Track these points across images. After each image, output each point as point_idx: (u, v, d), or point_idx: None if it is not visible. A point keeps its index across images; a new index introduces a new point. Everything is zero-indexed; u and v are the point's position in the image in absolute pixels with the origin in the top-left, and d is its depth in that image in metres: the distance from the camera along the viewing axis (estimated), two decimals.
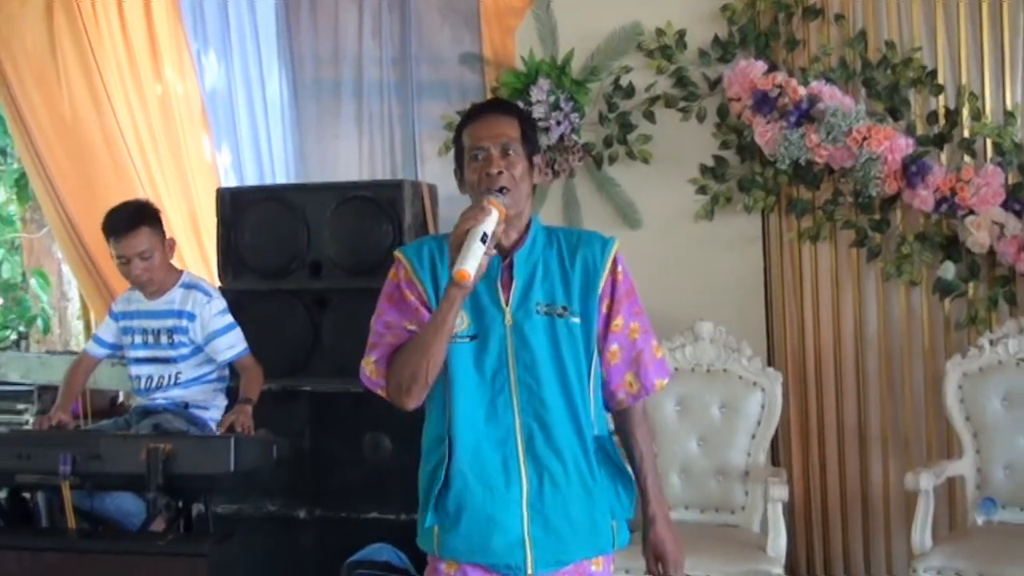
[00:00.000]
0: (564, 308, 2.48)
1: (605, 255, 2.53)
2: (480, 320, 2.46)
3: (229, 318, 4.27)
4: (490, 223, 2.31)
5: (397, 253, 2.56)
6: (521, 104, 4.80)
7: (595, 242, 2.56)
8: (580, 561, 2.52)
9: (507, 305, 2.47)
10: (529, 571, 2.46)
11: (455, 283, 2.30)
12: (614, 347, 2.54)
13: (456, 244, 2.30)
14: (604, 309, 2.53)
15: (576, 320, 2.49)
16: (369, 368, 2.49)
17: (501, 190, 2.42)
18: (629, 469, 2.57)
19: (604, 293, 2.52)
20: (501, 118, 2.53)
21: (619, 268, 2.55)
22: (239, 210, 5.00)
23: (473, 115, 2.56)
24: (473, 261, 2.27)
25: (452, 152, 2.62)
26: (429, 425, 2.56)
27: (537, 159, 2.56)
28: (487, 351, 2.46)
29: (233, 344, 4.24)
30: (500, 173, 2.45)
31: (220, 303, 4.28)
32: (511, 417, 2.45)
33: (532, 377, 2.45)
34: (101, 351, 4.44)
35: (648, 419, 2.68)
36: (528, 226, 2.53)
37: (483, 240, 2.28)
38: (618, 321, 2.53)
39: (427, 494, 2.49)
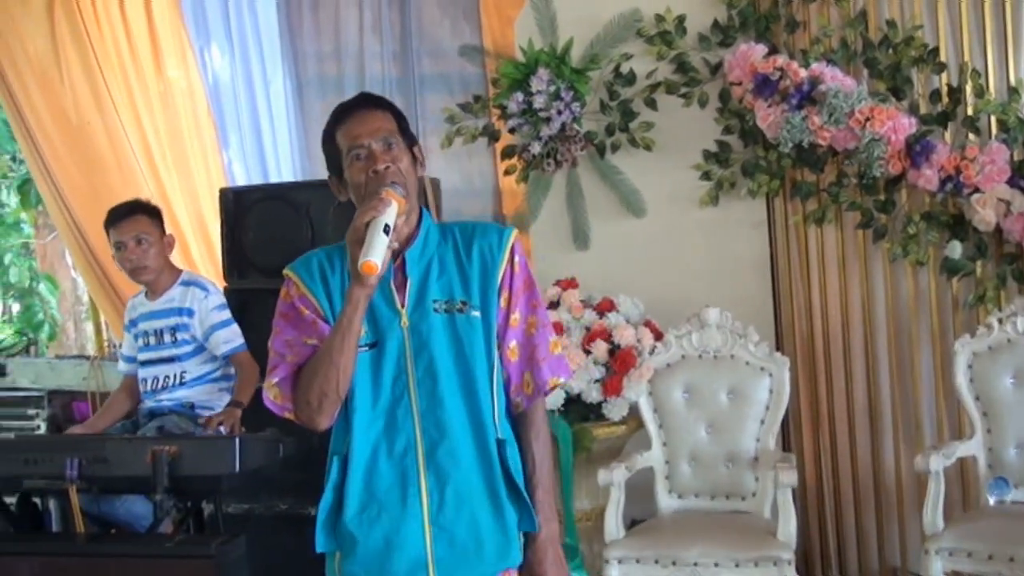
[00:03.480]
0: (464, 303, 2.34)
1: (503, 245, 2.38)
2: (376, 326, 2.31)
3: (227, 313, 4.30)
4: (391, 214, 2.18)
5: (286, 271, 2.42)
6: (521, 95, 4.81)
7: (491, 232, 2.41)
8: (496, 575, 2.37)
9: (403, 307, 2.33)
10: None
11: (361, 280, 2.16)
12: (512, 344, 2.39)
13: (356, 240, 2.16)
14: (502, 303, 2.38)
15: (476, 314, 2.34)
16: (272, 392, 2.33)
17: (392, 184, 2.27)
18: (519, 480, 2.38)
19: (503, 285, 2.37)
20: (374, 112, 2.37)
21: (517, 259, 2.40)
22: (242, 209, 5.01)
23: (343, 114, 2.39)
24: (379, 252, 2.13)
25: (326, 158, 2.43)
26: (331, 441, 2.39)
27: (417, 150, 2.42)
28: (385, 358, 2.31)
29: (230, 339, 4.26)
30: (388, 168, 2.31)
31: (217, 298, 4.31)
32: (411, 426, 2.30)
33: (432, 381, 2.31)
34: (130, 367, 4.47)
35: (547, 424, 2.48)
36: (419, 223, 2.38)
37: (386, 231, 2.16)
38: (516, 315, 2.39)
39: (322, 515, 2.34)
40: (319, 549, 2.36)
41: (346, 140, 2.35)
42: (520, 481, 2.37)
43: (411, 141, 2.41)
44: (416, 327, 2.32)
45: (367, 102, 2.41)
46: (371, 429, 2.31)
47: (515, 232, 2.43)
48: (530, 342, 2.40)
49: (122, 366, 4.53)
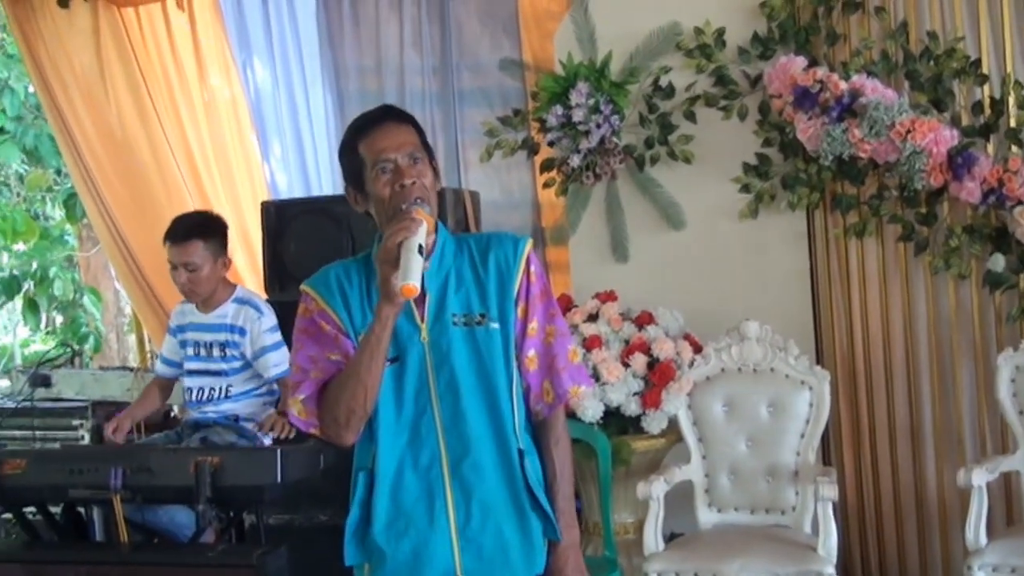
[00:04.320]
0: (482, 315, 2.36)
1: (518, 255, 2.40)
2: (397, 341, 2.32)
3: (278, 336, 4.33)
4: (422, 233, 2.21)
5: (303, 287, 2.42)
6: (561, 108, 4.82)
7: (507, 242, 2.42)
8: None
9: (423, 321, 2.35)
10: None
11: (391, 298, 2.18)
12: (531, 353, 2.41)
13: (389, 259, 2.18)
14: (519, 313, 2.39)
15: (495, 326, 2.36)
16: (297, 408, 2.35)
17: (417, 200, 2.29)
18: (539, 489, 2.40)
19: (519, 295, 2.39)
20: (400, 126, 2.37)
21: (532, 268, 2.41)
22: (284, 222, 5.06)
23: (367, 126, 2.39)
24: (416, 274, 2.16)
25: (344, 169, 2.44)
26: (355, 456, 2.42)
27: (435, 164, 2.43)
28: (407, 372, 2.34)
29: (279, 362, 4.28)
30: (414, 183, 2.31)
31: (270, 320, 4.34)
32: (435, 440, 2.33)
33: (454, 394, 2.33)
34: (168, 370, 4.53)
35: (567, 432, 2.50)
36: (435, 236, 2.39)
37: (420, 252, 2.18)
38: (533, 325, 2.40)
39: (350, 529, 2.38)
40: (348, 563, 2.40)
41: (371, 153, 2.34)
42: (540, 490, 2.39)
43: (431, 155, 2.42)
44: (436, 342, 2.34)
45: (392, 115, 2.41)
46: (396, 443, 2.34)
47: (530, 242, 2.44)
48: (549, 351, 2.42)
49: (160, 368, 4.58)
